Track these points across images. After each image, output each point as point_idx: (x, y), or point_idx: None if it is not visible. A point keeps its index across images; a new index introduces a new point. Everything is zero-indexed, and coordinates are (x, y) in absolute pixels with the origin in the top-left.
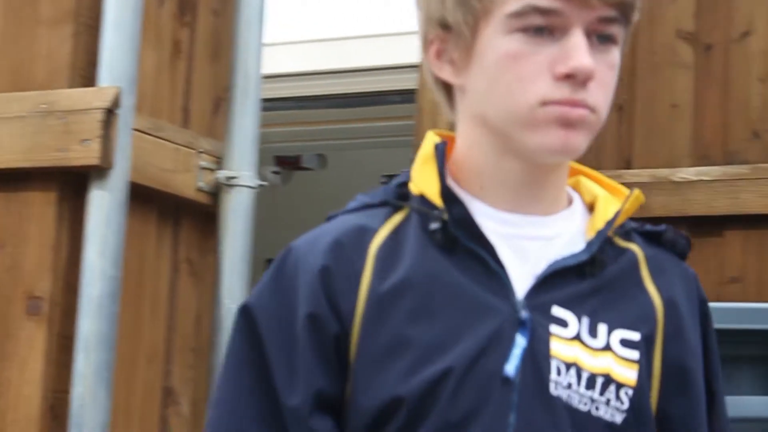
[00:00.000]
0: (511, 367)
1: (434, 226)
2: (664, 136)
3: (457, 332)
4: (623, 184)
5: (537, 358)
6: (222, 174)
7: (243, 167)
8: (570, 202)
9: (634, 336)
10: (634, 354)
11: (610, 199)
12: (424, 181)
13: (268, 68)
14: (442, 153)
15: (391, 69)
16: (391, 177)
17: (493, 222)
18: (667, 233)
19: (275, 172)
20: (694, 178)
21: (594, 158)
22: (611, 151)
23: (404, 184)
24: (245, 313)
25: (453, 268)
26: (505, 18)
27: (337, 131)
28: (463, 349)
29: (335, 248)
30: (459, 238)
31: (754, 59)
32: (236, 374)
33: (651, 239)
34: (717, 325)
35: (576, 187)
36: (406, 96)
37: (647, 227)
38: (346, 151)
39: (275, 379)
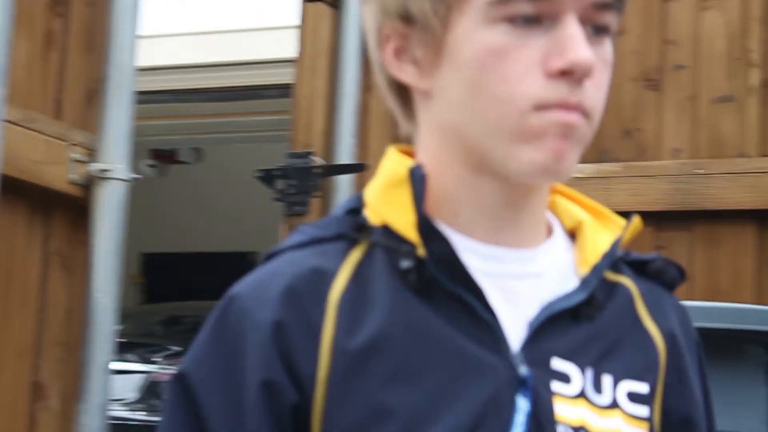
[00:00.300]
0: None
1: (406, 264)
2: None
3: (446, 397)
4: None
5: (542, 425)
6: (95, 167)
7: (116, 160)
8: (550, 228)
9: (642, 388)
10: (644, 411)
11: (597, 226)
12: (391, 209)
13: (143, 60)
14: (420, 180)
15: (267, 63)
16: (266, 171)
17: (476, 258)
18: (656, 263)
19: (151, 166)
20: None
21: None
22: None
23: (356, 211)
24: (181, 382)
25: (434, 317)
26: (486, 5)
27: (214, 125)
28: (456, 419)
29: (288, 298)
30: (438, 280)
31: (626, 59)
32: None
33: (637, 269)
34: None
35: (552, 208)
36: (283, 90)
37: (634, 256)
38: (222, 145)
39: None
